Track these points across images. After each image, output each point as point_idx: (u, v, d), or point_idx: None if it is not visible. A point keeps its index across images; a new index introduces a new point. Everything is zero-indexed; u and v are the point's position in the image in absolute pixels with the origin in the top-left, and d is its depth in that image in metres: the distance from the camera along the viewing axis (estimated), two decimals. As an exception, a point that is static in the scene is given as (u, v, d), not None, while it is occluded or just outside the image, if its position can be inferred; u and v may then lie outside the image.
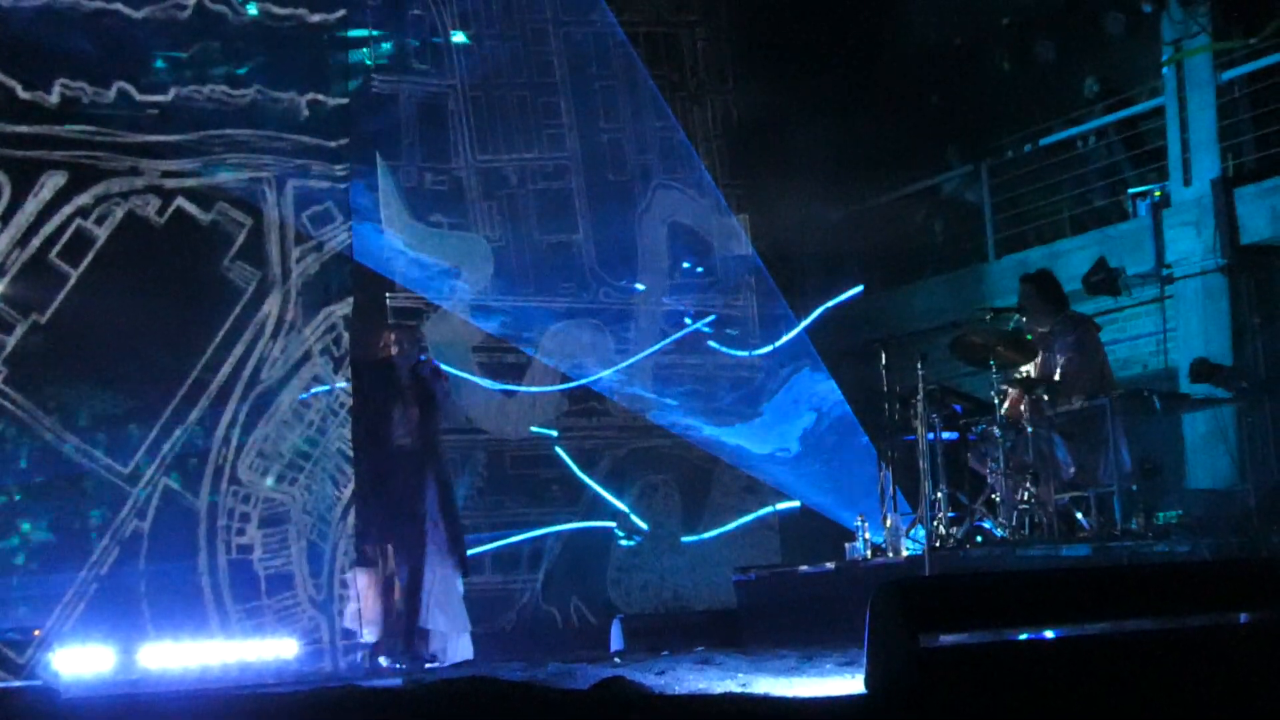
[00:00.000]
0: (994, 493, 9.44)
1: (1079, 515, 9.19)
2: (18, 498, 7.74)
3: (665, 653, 8.15)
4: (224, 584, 8.02)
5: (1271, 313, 11.10)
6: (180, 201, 8.18)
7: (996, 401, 9.42)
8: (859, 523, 9.78)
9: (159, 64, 8.28)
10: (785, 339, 12.25)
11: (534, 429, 11.56)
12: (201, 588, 7.98)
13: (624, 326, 11.87)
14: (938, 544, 9.01)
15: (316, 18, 8.59)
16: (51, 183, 7.93)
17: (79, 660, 7.60)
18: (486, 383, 11.34)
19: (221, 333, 8.17)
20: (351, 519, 8.35)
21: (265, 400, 8.21)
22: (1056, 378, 9.54)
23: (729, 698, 5.56)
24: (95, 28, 8.07)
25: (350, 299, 8.52)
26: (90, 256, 7.95)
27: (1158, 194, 11.74)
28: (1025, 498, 9.19)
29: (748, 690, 5.95)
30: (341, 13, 8.70)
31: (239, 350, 8.18)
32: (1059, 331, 9.69)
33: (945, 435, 9.44)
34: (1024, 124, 13.27)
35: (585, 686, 5.88)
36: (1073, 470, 9.33)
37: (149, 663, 7.74)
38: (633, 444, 11.85)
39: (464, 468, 10.99)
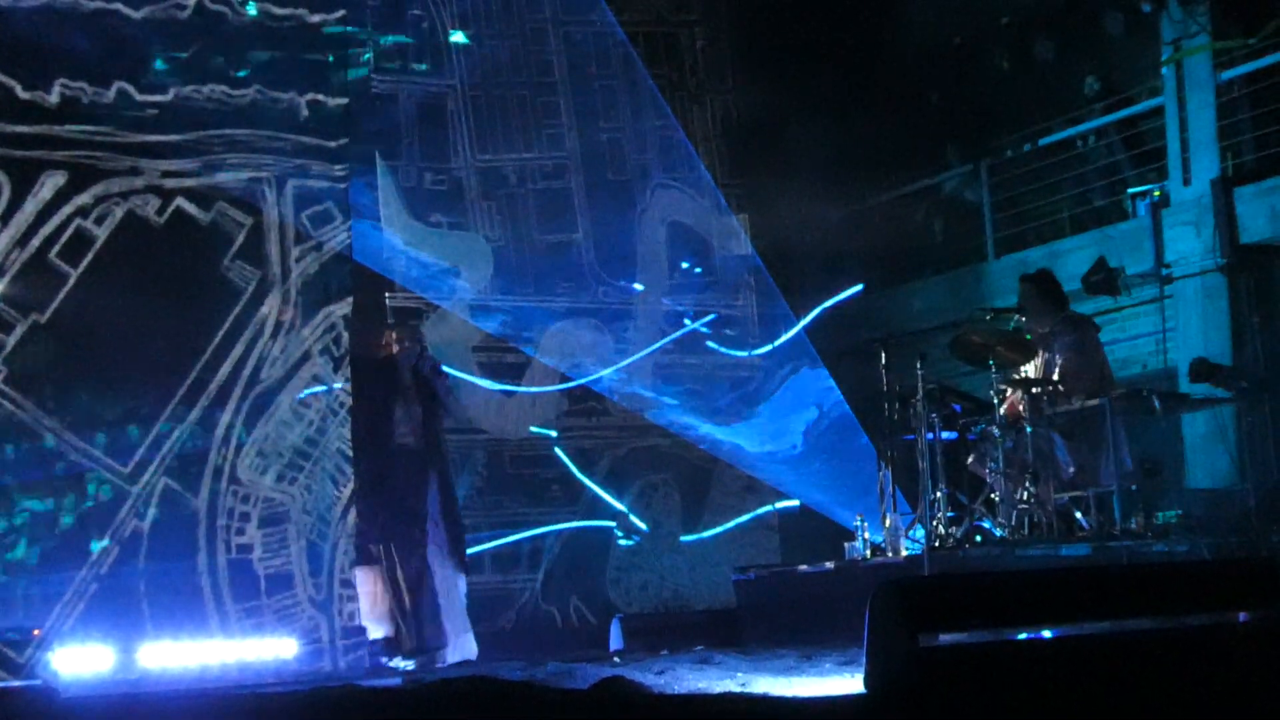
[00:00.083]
0: (993, 492, 9.44)
1: (1078, 515, 9.19)
2: (17, 497, 7.73)
3: (665, 652, 8.16)
4: (223, 583, 8.03)
5: (1271, 312, 11.10)
6: (180, 201, 8.19)
7: (996, 401, 9.42)
8: (858, 522, 9.78)
9: (159, 64, 8.28)
10: (784, 338, 12.25)
11: (533, 429, 11.57)
12: (201, 587, 7.99)
13: (623, 326, 11.87)
14: (937, 544, 9.01)
15: (316, 18, 8.60)
16: (51, 182, 7.93)
17: (78, 660, 7.60)
18: (486, 383, 11.34)
19: (221, 332, 8.17)
20: (351, 518, 8.36)
21: (265, 400, 8.22)
22: (1056, 377, 9.54)
23: (728, 697, 5.56)
24: (95, 28, 8.07)
25: (350, 299, 8.53)
26: (90, 256, 7.96)
27: (1157, 194, 11.74)
28: (1024, 497, 9.19)
29: (747, 690, 5.95)
30: (341, 13, 8.71)
31: (238, 350, 8.19)
32: (1059, 331, 9.69)
33: (945, 435, 9.44)
34: (1023, 123, 13.27)
35: (585, 686, 5.88)
36: (1072, 470, 9.34)
37: (148, 662, 7.75)
38: (632, 443, 11.85)
39: (463, 467, 10.99)
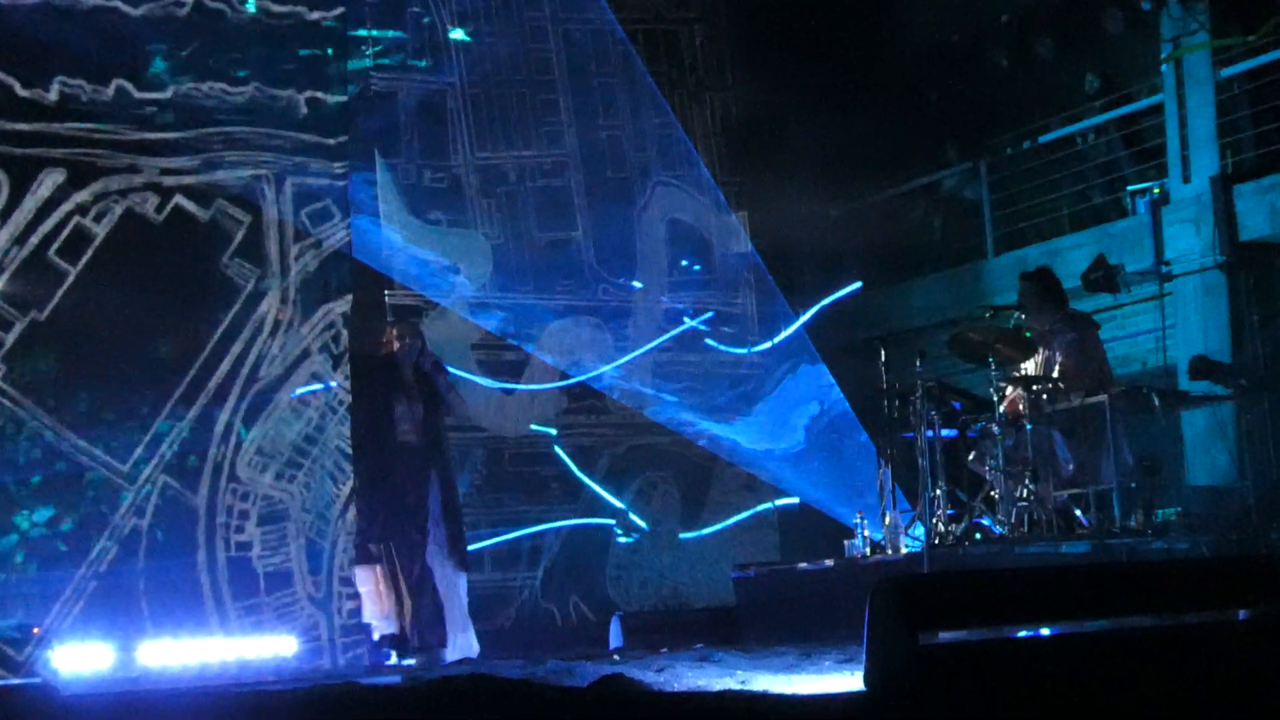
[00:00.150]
0: (993, 490, 9.45)
1: (1078, 512, 9.19)
2: (16, 495, 7.73)
3: (664, 650, 8.15)
4: (223, 581, 8.02)
5: (1270, 310, 11.10)
6: (179, 199, 8.18)
7: (995, 399, 9.42)
8: (858, 520, 9.78)
9: (158, 61, 8.27)
10: (783, 336, 12.25)
11: (533, 427, 11.56)
12: (200, 585, 7.98)
13: (623, 324, 11.87)
14: (937, 541, 9.02)
15: (315, 15, 8.59)
16: (50, 180, 7.92)
17: (78, 658, 7.60)
18: (485, 381, 11.34)
19: (220, 330, 8.17)
20: (350, 516, 8.35)
21: (264, 398, 8.21)
22: (1056, 375, 9.54)
23: (728, 695, 5.56)
24: (94, 25, 8.06)
25: (349, 296, 8.52)
26: (89, 254, 7.95)
27: (1157, 191, 11.74)
28: (1024, 495, 9.19)
29: (747, 687, 5.94)
30: (340, 10, 8.70)
31: (238, 348, 8.18)
32: (1058, 329, 9.69)
33: (944, 433, 9.44)
34: (1023, 121, 13.26)
35: (584, 684, 5.87)
36: (1072, 467, 9.34)
37: (148, 660, 7.74)
38: (632, 441, 11.84)
39: (463, 465, 10.98)
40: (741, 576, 10.04)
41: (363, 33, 11.12)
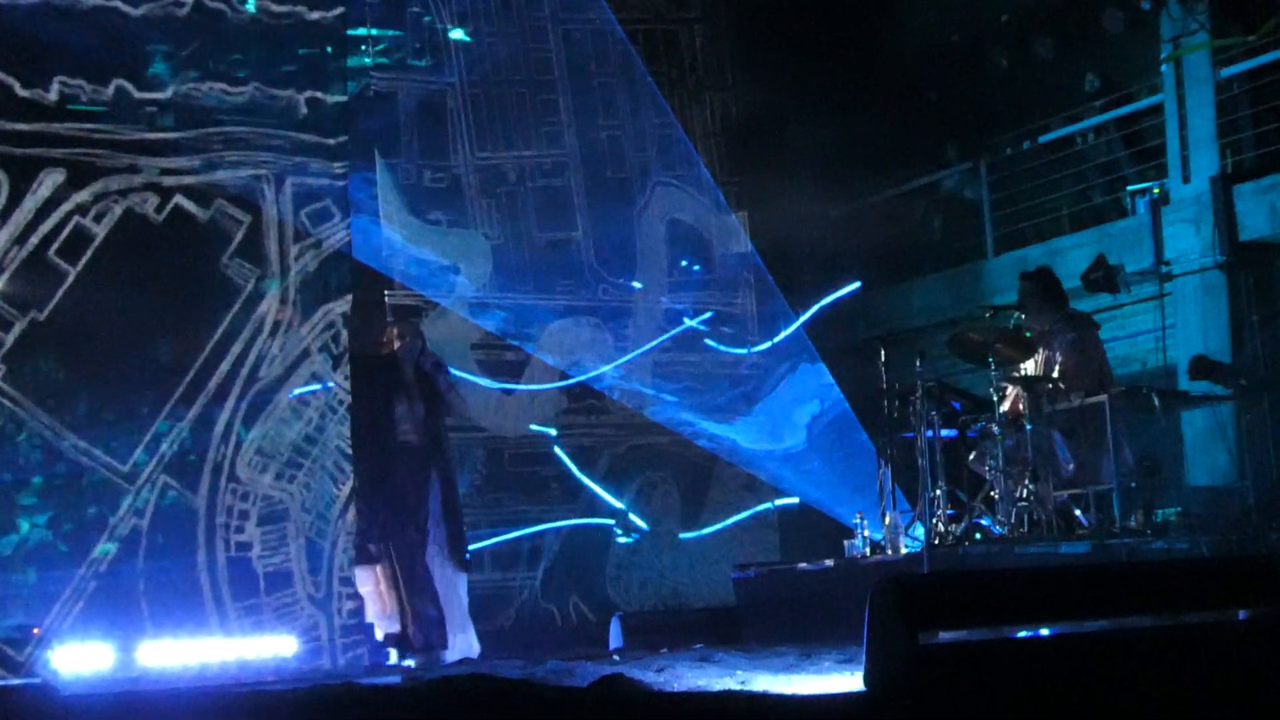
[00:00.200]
0: (993, 490, 9.44)
1: (1078, 512, 9.19)
2: (16, 495, 7.73)
3: (664, 650, 8.15)
4: (223, 581, 8.02)
5: (1270, 310, 11.10)
6: (179, 199, 8.18)
7: (995, 399, 9.42)
8: (858, 520, 9.77)
9: (157, 61, 8.27)
10: (782, 335, 12.25)
11: (533, 427, 11.56)
12: (200, 585, 7.98)
13: (623, 324, 11.87)
14: (936, 541, 9.02)
15: (315, 15, 8.59)
16: (50, 180, 7.92)
17: (78, 658, 7.60)
18: (485, 381, 11.34)
19: (220, 330, 8.16)
20: (350, 516, 8.35)
21: (264, 398, 8.21)
22: (1056, 375, 9.54)
23: (728, 695, 5.56)
24: (94, 25, 8.06)
25: (349, 296, 8.51)
26: (89, 254, 7.95)
27: (1157, 191, 11.74)
28: (1024, 495, 9.19)
29: (747, 688, 5.94)
30: (340, 10, 8.69)
31: (237, 348, 8.18)
32: (1058, 329, 9.69)
33: (944, 433, 9.44)
34: (1023, 121, 13.27)
35: (584, 684, 5.88)
36: (1072, 467, 9.34)
37: (148, 660, 7.74)
38: (631, 441, 11.85)
39: (462, 465, 10.98)
40: (741, 577, 10.04)
41: (363, 32, 11.12)
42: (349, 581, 8.33)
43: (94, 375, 7.92)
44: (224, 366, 8.14)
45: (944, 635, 4.82)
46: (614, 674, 5.96)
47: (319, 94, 8.55)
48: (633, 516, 11.72)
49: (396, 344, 9.18)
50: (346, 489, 8.34)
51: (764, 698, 5.40)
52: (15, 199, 7.84)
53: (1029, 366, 9.73)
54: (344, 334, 8.43)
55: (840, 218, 13.36)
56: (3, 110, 7.86)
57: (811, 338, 12.29)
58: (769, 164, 12.34)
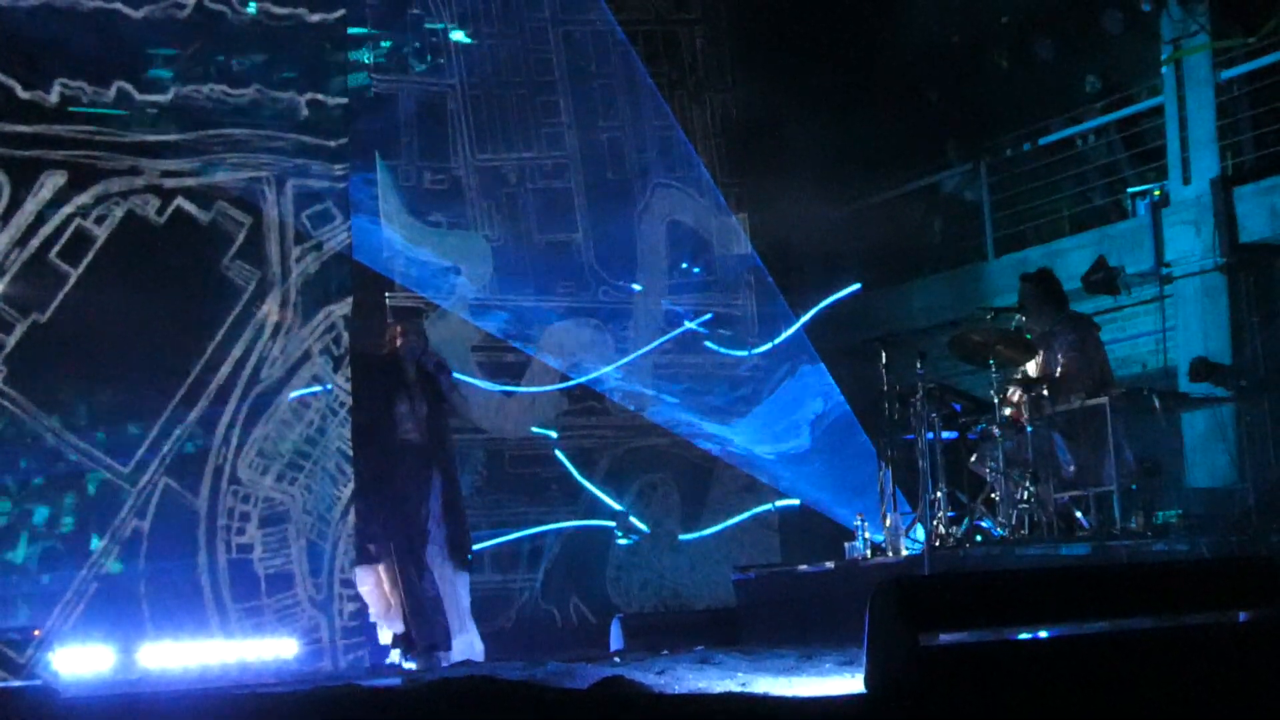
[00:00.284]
0: (993, 492, 9.44)
1: (1078, 514, 9.19)
2: (18, 497, 7.73)
3: (665, 652, 8.15)
4: (224, 583, 8.03)
5: (1270, 311, 11.10)
6: (180, 201, 8.19)
7: (996, 401, 9.42)
8: (858, 522, 9.77)
9: (158, 63, 8.28)
10: (782, 337, 12.25)
11: (534, 429, 11.56)
12: (201, 587, 7.99)
13: (623, 325, 11.88)
14: (937, 543, 9.01)
15: (316, 17, 8.60)
16: (51, 182, 7.93)
17: (79, 660, 7.60)
18: (485, 384, 11.34)
19: (221, 332, 8.17)
20: (351, 518, 8.35)
21: (265, 400, 8.22)
22: (1056, 377, 9.54)
23: (728, 697, 5.57)
24: (94, 27, 8.07)
25: (350, 298, 8.52)
26: (90, 256, 7.96)
27: (1157, 193, 11.75)
28: (1024, 497, 9.19)
29: (747, 690, 5.95)
30: (341, 12, 8.71)
31: (238, 350, 8.19)
32: (1059, 331, 9.69)
33: (945, 434, 9.44)
34: (1023, 122, 13.27)
35: (585, 686, 5.88)
36: (1073, 469, 9.34)
37: (148, 662, 7.75)
38: (632, 443, 11.85)
39: (463, 466, 10.98)
40: (742, 578, 10.04)
41: (363, 34, 11.12)
42: (350, 583, 8.34)
43: (95, 377, 7.93)
44: (225, 368, 8.15)
45: (945, 637, 4.82)
46: (614, 676, 5.96)
47: (320, 96, 8.56)
48: (633, 518, 11.72)
49: (399, 341, 9.18)
50: (347, 491, 8.35)
51: (765, 700, 5.40)
52: (16, 201, 7.86)
53: (1029, 368, 9.73)
54: (345, 336, 8.44)
55: (840, 219, 13.35)
56: (4, 112, 7.87)
57: (812, 339, 12.29)
58: (769, 165, 12.34)
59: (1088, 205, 12.91)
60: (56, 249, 7.90)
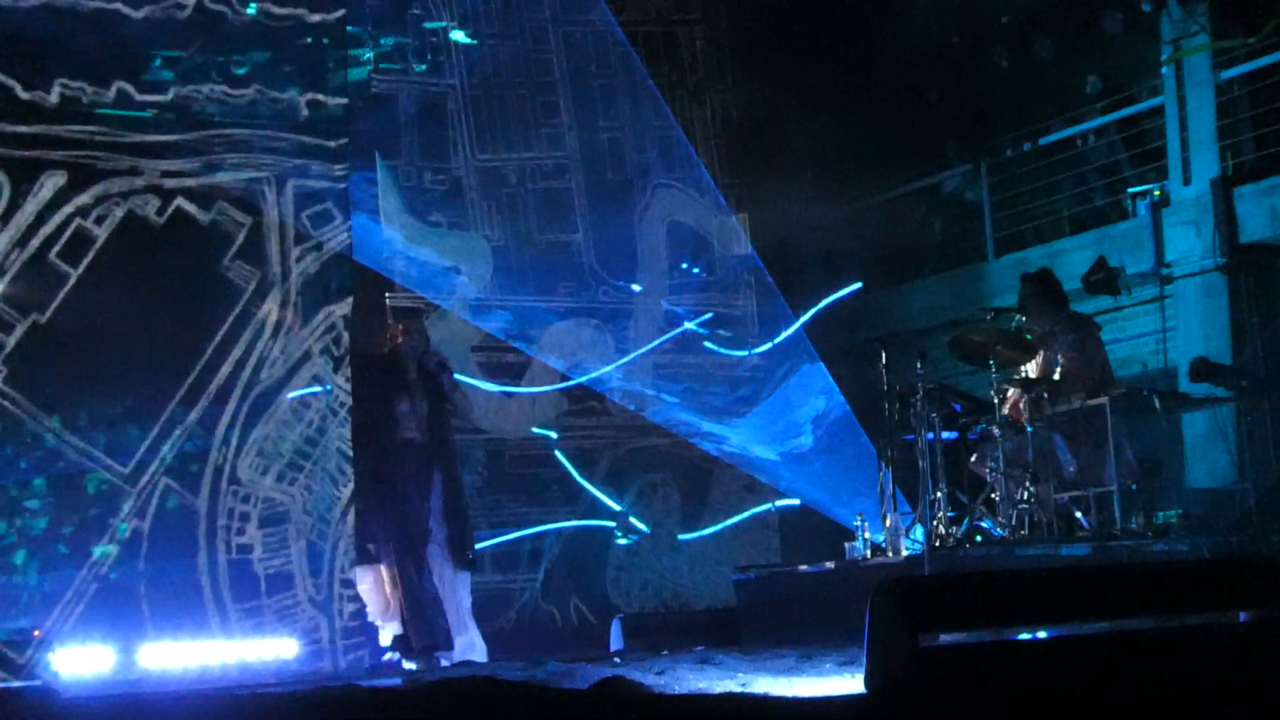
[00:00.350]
0: (993, 492, 9.45)
1: (1078, 514, 9.19)
2: (17, 497, 7.73)
3: (665, 652, 8.15)
4: (224, 584, 8.02)
5: (1271, 312, 11.11)
6: (180, 201, 8.18)
7: (996, 401, 9.43)
8: (858, 522, 9.77)
9: (158, 64, 8.28)
10: (782, 337, 12.25)
11: (535, 430, 11.56)
12: (201, 587, 7.98)
13: (623, 326, 11.88)
14: (937, 543, 9.02)
15: (316, 17, 8.59)
16: (51, 183, 7.93)
17: (79, 660, 7.60)
18: (487, 384, 11.34)
19: (221, 332, 8.16)
20: (351, 518, 8.35)
21: (265, 400, 8.21)
22: (1056, 377, 9.54)
23: (729, 697, 5.57)
24: (95, 27, 8.06)
25: (350, 299, 8.51)
26: (90, 256, 7.95)
27: (1157, 193, 11.75)
28: (1025, 497, 9.19)
29: (747, 690, 5.95)
30: (341, 12, 8.70)
31: (238, 350, 8.18)
32: (1059, 331, 9.69)
33: (945, 435, 9.44)
34: (1023, 122, 13.27)
35: (585, 686, 5.88)
36: (1073, 469, 9.34)
37: (149, 662, 7.74)
38: (632, 443, 11.85)
39: (464, 466, 10.98)
40: (742, 579, 10.04)
41: (364, 34, 11.12)
42: (350, 584, 8.33)
43: (95, 377, 7.92)
44: (225, 369, 8.15)
45: (945, 637, 4.82)
46: (615, 676, 5.96)
47: (320, 96, 8.56)
48: (633, 519, 11.72)
49: (400, 339, 9.18)
50: (347, 491, 8.34)
51: (765, 700, 5.40)
52: (16, 201, 7.85)
53: (1030, 368, 9.73)
54: (345, 336, 8.43)
55: (840, 219, 13.35)
56: (4, 113, 7.86)
57: (812, 339, 12.29)
58: (769, 165, 12.34)
59: (1088, 205, 12.91)
60: (56, 249, 7.90)
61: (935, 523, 9.15)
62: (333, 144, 8.57)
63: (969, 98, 13.73)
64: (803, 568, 9.74)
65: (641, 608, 11.46)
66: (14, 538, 7.68)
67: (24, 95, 7.92)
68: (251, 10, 8.43)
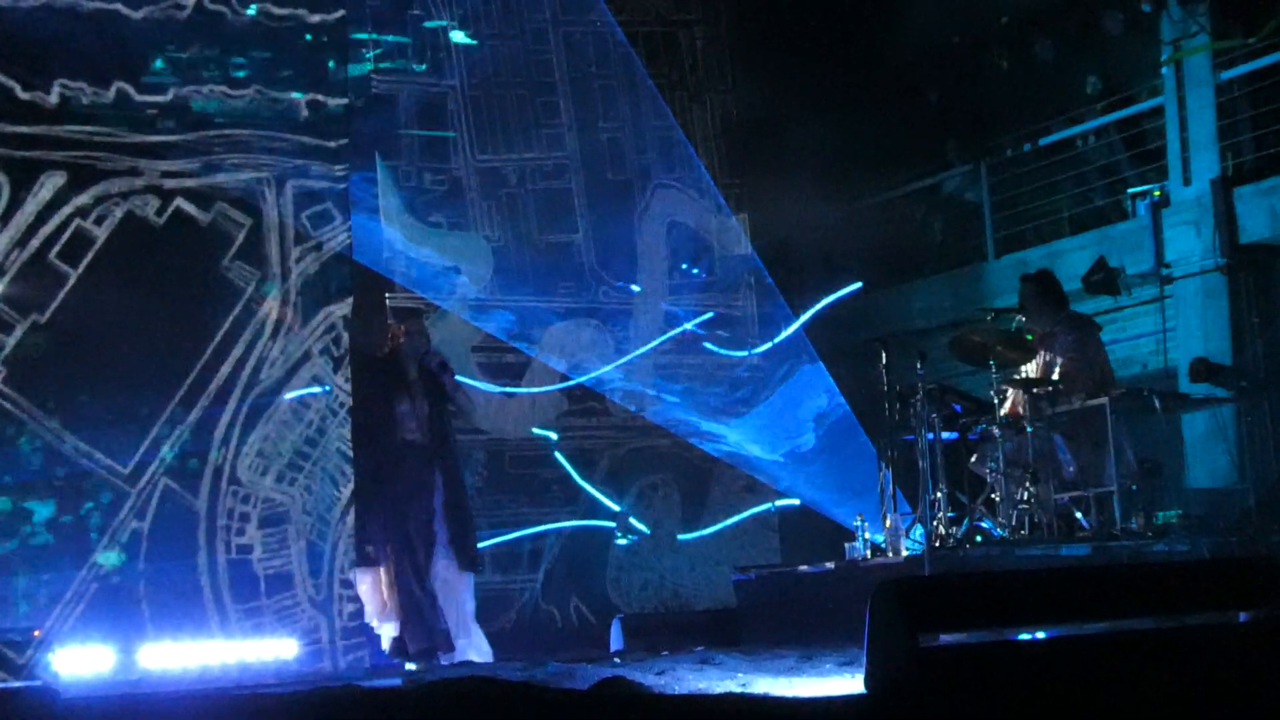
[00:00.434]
0: (994, 492, 9.45)
1: (1078, 515, 9.20)
2: (18, 498, 7.73)
3: (665, 652, 8.15)
4: (223, 584, 8.02)
5: (1270, 312, 11.11)
6: (179, 202, 8.18)
7: (996, 401, 9.43)
8: (858, 522, 9.77)
9: (158, 64, 8.27)
10: (782, 337, 12.25)
11: (535, 430, 11.56)
12: (201, 588, 7.98)
13: (624, 326, 11.88)
14: (937, 544, 9.02)
15: (316, 18, 8.59)
16: (51, 183, 7.93)
17: (78, 660, 7.59)
18: (487, 385, 11.34)
19: (221, 333, 8.16)
20: (351, 519, 8.35)
21: (265, 400, 8.21)
22: (1056, 377, 9.54)
23: (729, 698, 5.57)
24: (94, 27, 8.06)
25: (350, 299, 8.51)
26: (90, 257, 7.95)
27: (1157, 193, 11.75)
28: (1025, 497, 9.19)
29: (747, 690, 5.95)
30: (341, 13, 8.69)
31: (238, 350, 8.18)
32: (1059, 331, 9.70)
33: (945, 435, 9.44)
34: (1023, 123, 13.28)
35: (585, 686, 5.88)
36: (1073, 469, 9.34)
37: (148, 663, 7.74)
38: (632, 443, 11.84)
39: (464, 467, 10.97)
40: (742, 579, 10.04)
41: (363, 35, 11.12)
42: (350, 584, 8.33)
43: (95, 378, 7.92)
44: (225, 369, 8.14)
45: (945, 637, 4.82)
46: (615, 676, 5.96)
47: (320, 96, 8.55)
48: (633, 519, 11.71)
49: (401, 339, 9.17)
50: (347, 492, 8.34)
51: (765, 700, 5.40)
52: (16, 202, 7.85)
53: (1030, 369, 9.73)
54: (345, 337, 8.43)
55: (840, 219, 13.36)
56: (3, 113, 7.86)
57: (812, 339, 12.29)
58: (769, 166, 12.34)
59: (1088, 206, 12.92)
60: (56, 249, 7.89)
61: (935, 523, 9.15)
62: (333, 144, 8.57)
63: (969, 98, 13.73)
64: (803, 568, 9.74)
65: (641, 608, 11.46)
66: (14, 538, 7.68)
67: (24, 95, 7.91)
68: (251, 11, 8.43)
